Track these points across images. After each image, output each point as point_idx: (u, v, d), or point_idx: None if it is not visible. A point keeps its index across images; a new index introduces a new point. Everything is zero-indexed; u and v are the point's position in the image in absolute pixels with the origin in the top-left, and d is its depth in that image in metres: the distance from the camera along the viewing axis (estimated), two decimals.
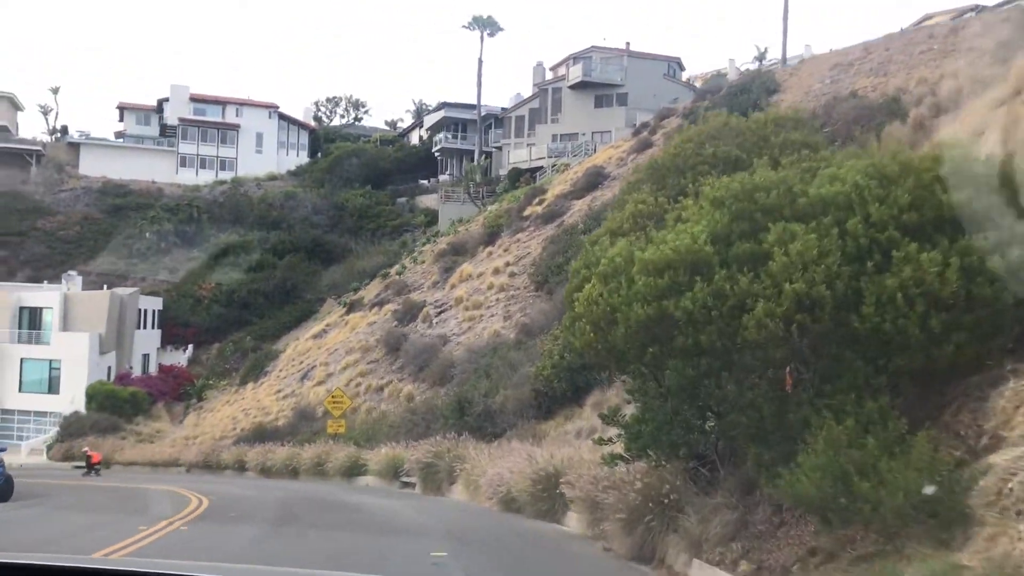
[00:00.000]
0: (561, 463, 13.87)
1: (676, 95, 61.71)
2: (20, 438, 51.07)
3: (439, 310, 42.69)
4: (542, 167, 62.95)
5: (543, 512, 13.96)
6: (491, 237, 48.46)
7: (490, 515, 15.09)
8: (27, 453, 44.42)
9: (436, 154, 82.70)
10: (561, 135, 64.99)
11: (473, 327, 38.62)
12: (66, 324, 55.26)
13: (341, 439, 29.05)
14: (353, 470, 26.11)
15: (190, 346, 68.06)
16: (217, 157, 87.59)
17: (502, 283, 41.18)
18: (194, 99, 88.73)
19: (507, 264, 43.17)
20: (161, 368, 62.34)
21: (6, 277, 66.51)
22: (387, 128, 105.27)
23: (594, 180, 48.19)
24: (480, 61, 74.47)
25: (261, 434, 37.20)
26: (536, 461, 14.41)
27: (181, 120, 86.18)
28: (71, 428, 44.57)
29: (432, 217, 71.61)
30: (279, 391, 45.14)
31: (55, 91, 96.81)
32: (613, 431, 13.31)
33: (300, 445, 30.59)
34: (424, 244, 59.97)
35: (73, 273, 60.40)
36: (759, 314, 7.83)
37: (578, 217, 42.65)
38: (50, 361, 53.65)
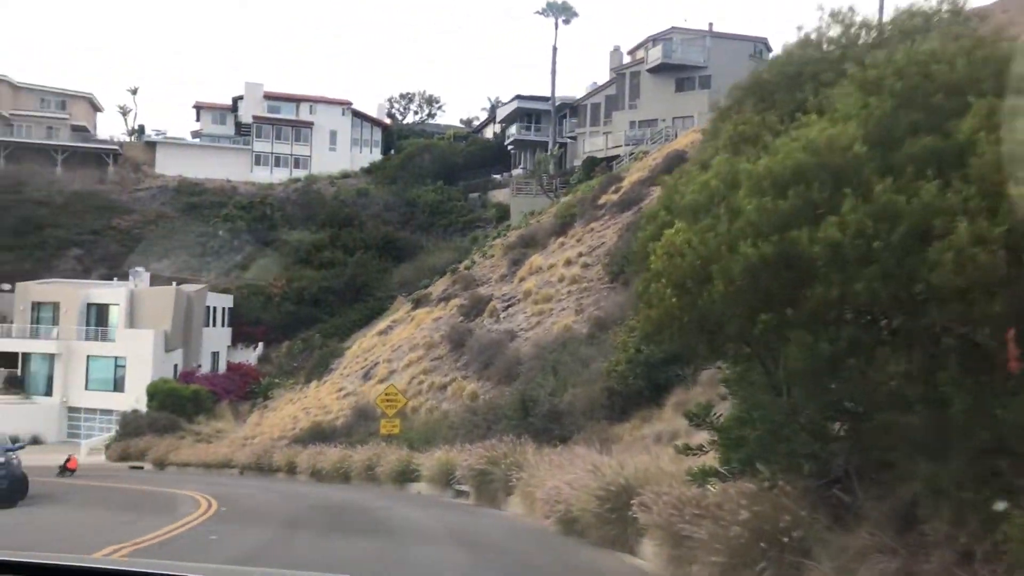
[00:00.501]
0: (634, 476, 10.77)
1: None
2: (87, 436, 50.27)
3: (506, 304, 39.86)
4: (619, 156, 59.60)
5: (610, 538, 10.88)
6: (563, 227, 45.45)
7: (543, 539, 12.09)
8: (86, 453, 43.23)
9: (509, 147, 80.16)
10: (639, 122, 61.48)
11: (542, 321, 35.68)
12: (132, 321, 54.38)
13: (395, 440, 26.41)
14: (404, 476, 23.41)
15: (260, 344, 66.98)
16: (291, 155, 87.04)
17: (574, 275, 38.12)
18: (268, 97, 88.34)
19: (580, 255, 40.11)
20: (229, 366, 61.20)
21: (82, 275, 66.52)
22: (462, 126, 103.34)
23: (675, 164, 44.53)
24: (554, 48, 71.36)
25: (319, 434, 34.98)
26: (602, 473, 11.34)
27: (255, 118, 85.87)
28: (129, 427, 43.19)
29: (504, 212, 69.09)
30: (341, 389, 42.99)
31: (133, 92, 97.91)
32: (704, 436, 10.19)
33: (353, 447, 28.08)
34: (494, 238, 57.35)
35: (140, 269, 59.64)
36: (961, 240, 4.64)
37: (658, 203, 39.29)
38: (115, 358, 52.82)
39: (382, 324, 52.81)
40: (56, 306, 54.84)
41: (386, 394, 27.03)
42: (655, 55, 61.55)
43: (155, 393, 47.10)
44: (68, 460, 33.01)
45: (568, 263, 39.61)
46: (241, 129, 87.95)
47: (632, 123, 61.86)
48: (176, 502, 16.96)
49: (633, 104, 62.89)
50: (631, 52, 68.12)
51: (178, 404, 46.45)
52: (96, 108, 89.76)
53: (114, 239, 75.04)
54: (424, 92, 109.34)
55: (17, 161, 79.81)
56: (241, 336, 66.39)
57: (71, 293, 55.10)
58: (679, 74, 61.00)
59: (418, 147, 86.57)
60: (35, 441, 50.16)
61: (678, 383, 20.40)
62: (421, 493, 22.19)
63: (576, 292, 36.54)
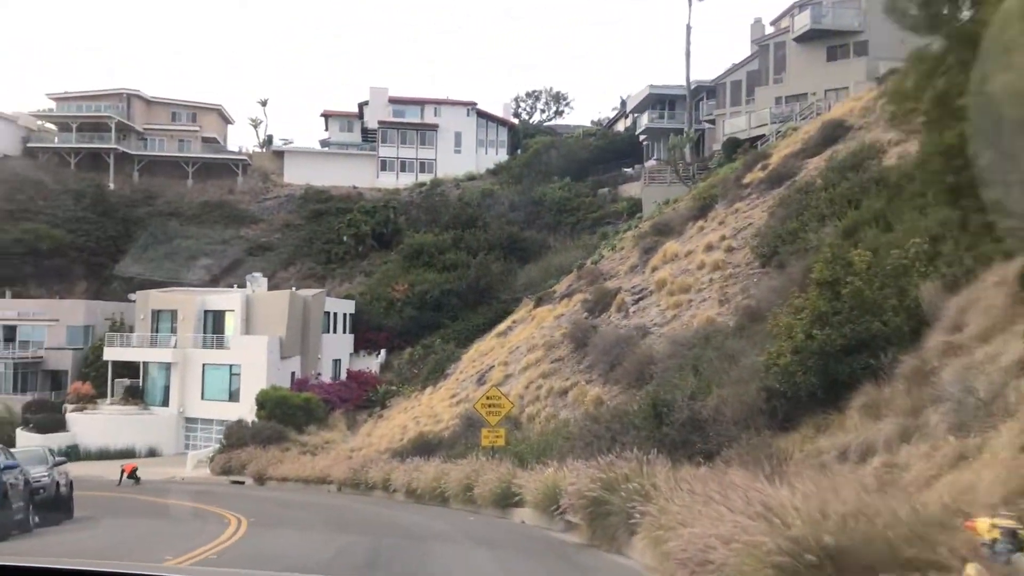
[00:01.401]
0: (845, 532, 5.67)
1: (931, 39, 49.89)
2: (203, 447, 48.29)
3: (637, 297, 34.68)
4: (764, 135, 53.20)
5: None
6: (702, 210, 39.81)
7: None
8: (193, 466, 40.85)
9: (641, 138, 74.79)
10: (786, 97, 54.88)
11: (679, 315, 30.36)
12: (248, 327, 52.32)
13: (499, 454, 21.82)
14: (505, 499, 18.76)
15: (383, 351, 64.15)
16: (416, 159, 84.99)
17: (716, 260, 32.56)
18: (393, 101, 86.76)
19: (723, 238, 34.46)
20: (350, 374, 58.49)
21: (210, 284, 65.76)
22: (592, 126, 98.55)
23: (832, 135, 38.35)
24: (688, 27, 65.79)
25: (423, 446, 30.96)
26: (782, 522, 6.28)
27: (380, 123, 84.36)
28: (233, 438, 40.44)
29: (635, 206, 63.81)
30: (454, 396, 38.90)
31: (263, 103, 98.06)
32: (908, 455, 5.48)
33: (452, 461, 23.70)
34: (624, 231, 52.18)
35: (257, 275, 57.78)
36: None
37: (815, 175, 33.24)
38: (230, 366, 50.76)
39: (502, 325, 48.56)
40: (174, 314, 53.47)
41: (487, 398, 22.32)
42: (802, 22, 54.86)
43: (265, 401, 44.44)
44: (124, 468, 33.24)
45: (709, 248, 34.09)
46: (367, 135, 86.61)
47: (778, 99, 55.33)
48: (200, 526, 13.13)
49: (778, 78, 56.35)
50: (774, 22, 61.54)
51: (288, 413, 43.61)
52: (226, 120, 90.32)
53: (242, 248, 74.73)
54: (551, 89, 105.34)
55: (150, 174, 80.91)
56: (364, 342, 63.88)
57: (188, 300, 53.61)
58: (830, 41, 54.04)
59: (544, 144, 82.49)
60: (152, 453, 48.68)
61: (866, 377, 14.87)
62: (525, 522, 17.48)
63: (719, 280, 31.03)
